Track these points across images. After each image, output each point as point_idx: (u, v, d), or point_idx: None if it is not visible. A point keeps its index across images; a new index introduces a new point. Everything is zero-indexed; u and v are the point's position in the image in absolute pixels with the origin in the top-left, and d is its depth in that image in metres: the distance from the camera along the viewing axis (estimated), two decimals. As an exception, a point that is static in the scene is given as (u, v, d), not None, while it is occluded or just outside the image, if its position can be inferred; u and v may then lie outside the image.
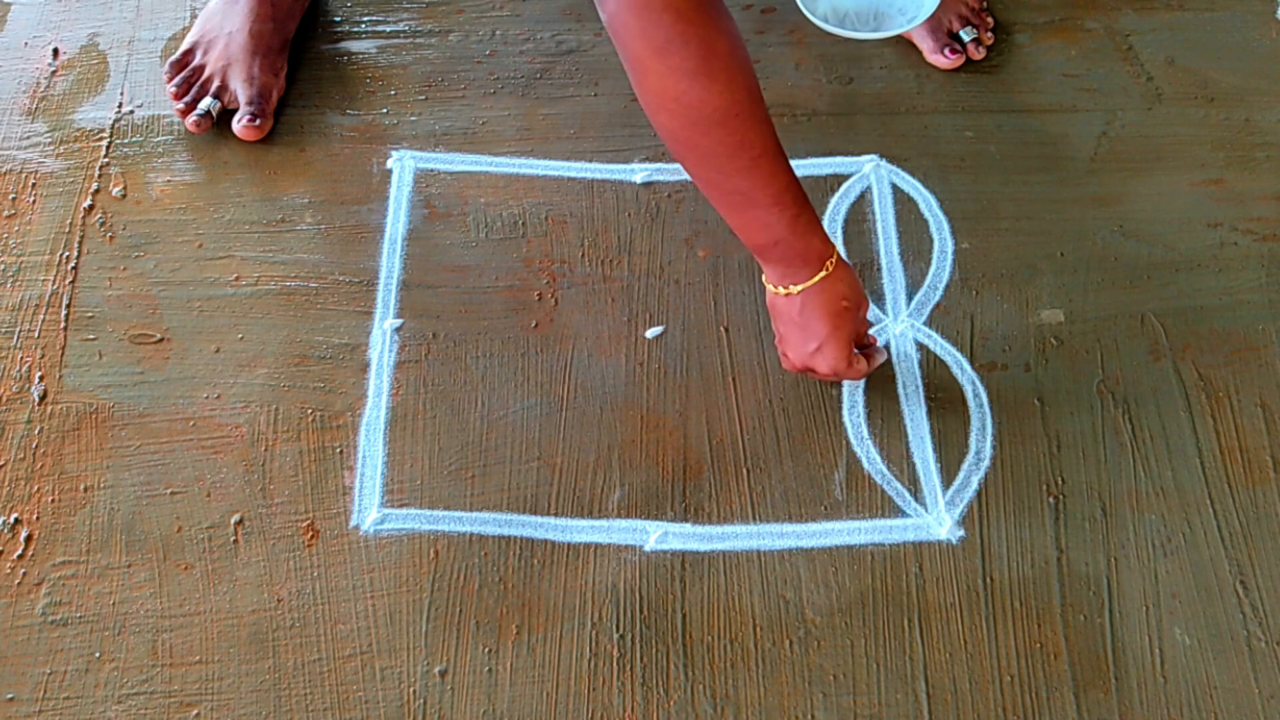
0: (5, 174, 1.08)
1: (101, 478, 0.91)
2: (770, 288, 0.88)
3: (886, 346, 0.96)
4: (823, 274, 0.85)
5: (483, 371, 0.97)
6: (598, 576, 0.87)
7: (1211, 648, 0.84)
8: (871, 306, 0.99)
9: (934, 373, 0.96)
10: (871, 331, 0.97)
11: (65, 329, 0.98)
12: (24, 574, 0.86)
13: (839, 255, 0.87)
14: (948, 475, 0.91)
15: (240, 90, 1.10)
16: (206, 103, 1.09)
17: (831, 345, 0.87)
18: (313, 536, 0.88)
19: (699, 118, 0.77)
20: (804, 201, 0.83)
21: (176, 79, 1.10)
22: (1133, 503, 0.90)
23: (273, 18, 1.13)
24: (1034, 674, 0.83)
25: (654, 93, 0.77)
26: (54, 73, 1.16)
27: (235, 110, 1.10)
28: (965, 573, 0.87)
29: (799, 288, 0.86)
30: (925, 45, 1.15)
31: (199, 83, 1.10)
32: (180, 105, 1.09)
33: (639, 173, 1.08)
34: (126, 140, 1.10)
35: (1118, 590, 0.86)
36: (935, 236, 1.04)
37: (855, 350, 0.90)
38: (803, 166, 1.08)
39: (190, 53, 1.12)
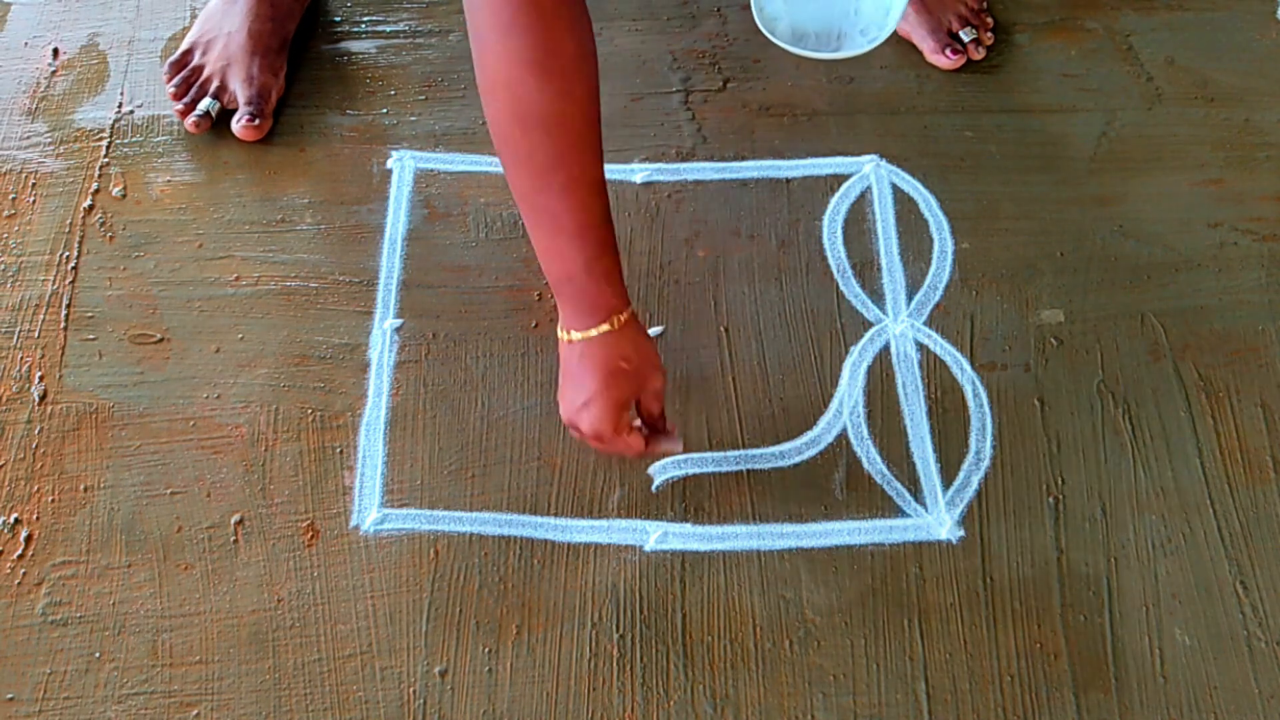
0: (5, 174, 1.08)
1: (101, 478, 0.91)
2: (559, 333, 0.83)
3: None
4: (605, 327, 0.79)
5: (483, 371, 0.97)
6: (598, 576, 0.87)
7: (1211, 648, 0.84)
8: (871, 306, 0.99)
9: (934, 373, 0.96)
10: (871, 331, 0.97)
11: (65, 329, 0.98)
12: (24, 574, 0.86)
13: (632, 317, 0.81)
14: (948, 475, 0.91)
15: (240, 90, 1.09)
16: (206, 103, 1.09)
17: (598, 405, 0.80)
18: (313, 536, 0.88)
19: (524, 113, 0.73)
20: (608, 247, 0.79)
21: (176, 79, 1.10)
22: (1133, 503, 0.90)
23: (272, 17, 1.13)
24: (1034, 674, 0.83)
25: (489, 74, 0.73)
26: (54, 73, 1.16)
27: (235, 110, 1.10)
28: (965, 573, 0.87)
29: (579, 335, 0.81)
30: (926, 46, 1.15)
31: (198, 83, 1.10)
32: (180, 105, 1.09)
33: (639, 173, 1.08)
34: (126, 140, 1.10)
35: (1118, 590, 0.86)
36: (935, 236, 1.04)
37: (638, 425, 0.84)
38: (803, 167, 1.08)
39: (189, 53, 1.12)
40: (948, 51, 1.14)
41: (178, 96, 1.10)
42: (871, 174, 1.08)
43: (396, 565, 0.87)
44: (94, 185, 1.07)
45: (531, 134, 0.74)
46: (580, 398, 0.81)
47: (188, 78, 1.11)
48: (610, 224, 0.79)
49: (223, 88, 1.10)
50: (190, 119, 1.08)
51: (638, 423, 0.85)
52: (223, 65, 1.11)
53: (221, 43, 1.11)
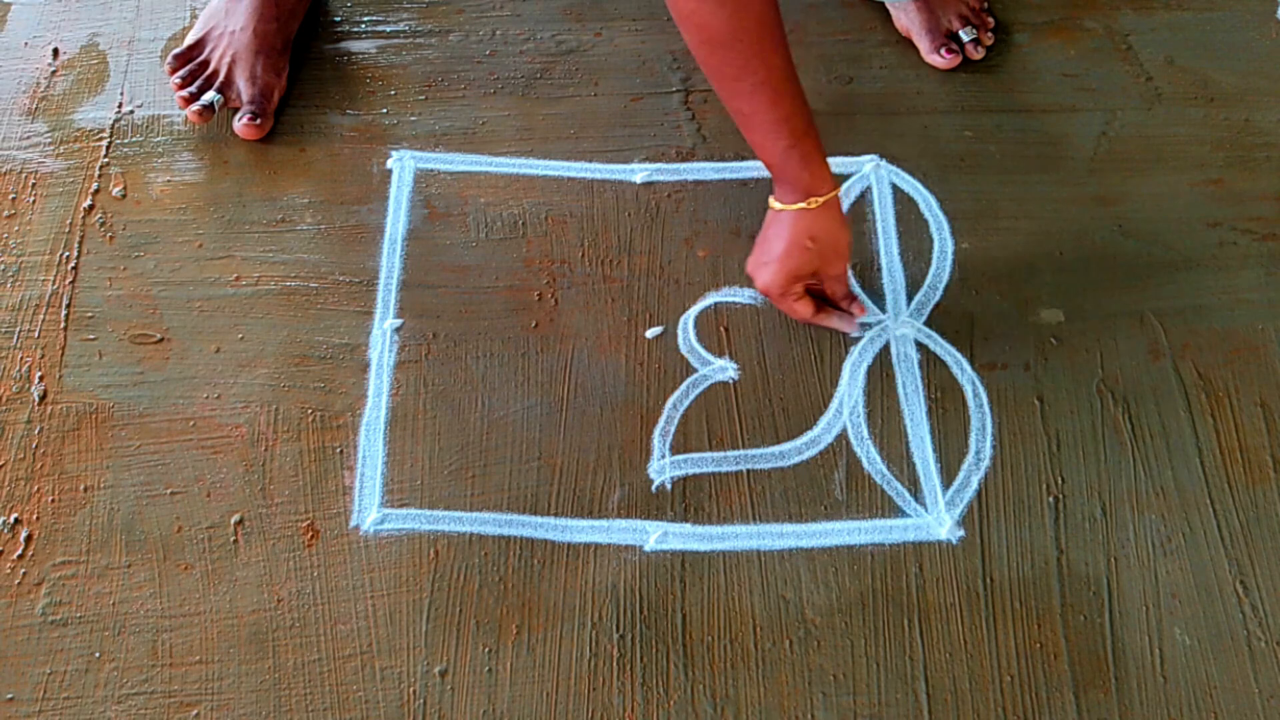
0: (5, 174, 1.08)
1: (101, 478, 0.91)
2: (770, 198, 0.93)
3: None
4: (801, 206, 0.89)
5: (483, 371, 0.97)
6: (598, 576, 0.87)
7: (1211, 648, 0.84)
8: (871, 306, 0.99)
9: (934, 373, 0.96)
10: (870, 332, 0.97)
11: (65, 329, 0.98)
12: (24, 574, 0.86)
13: (833, 200, 0.90)
14: (948, 475, 0.91)
15: (243, 89, 1.10)
16: (210, 95, 1.09)
17: (774, 268, 0.92)
18: (313, 536, 0.88)
19: (707, 38, 0.82)
20: (803, 134, 0.87)
21: (182, 71, 1.10)
22: (1133, 503, 0.90)
23: (276, 17, 1.13)
24: (1034, 674, 0.83)
25: (678, 8, 0.82)
26: (54, 73, 1.16)
27: (236, 109, 1.10)
28: (965, 573, 0.87)
29: (780, 207, 0.92)
30: (923, 44, 1.15)
31: (204, 76, 1.10)
32: (184, 94, 1.09)
33: (639, 173, 1.08)
34: (126, 140, 1.10)
35: (1118, 590, 0.86)
36: (935, 236, 1.04)
37: (813, 296, 0.95)
38: (803, 166, 1.08)
39: (195, 47, 1.12)
40: (943, 51, 1.14)
41: (182, 86, 1.09)
42: (871, 174, 1.08)
43: (396, 565, 0.87)
44: (94, 185, 1.07)
45: (716, 54, 0.84)
46: (764, 258, 0.94)
47: (194, 70, 1.11)
48: (804, 115, 0.87)
49: (227, 83, 1.10)
50: (194, 108, 1.08)
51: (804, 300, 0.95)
52: (228, 63, 1.11)
53: (226, 41, 1.12)
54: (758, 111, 0.86)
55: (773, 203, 0.93)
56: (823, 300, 0.97)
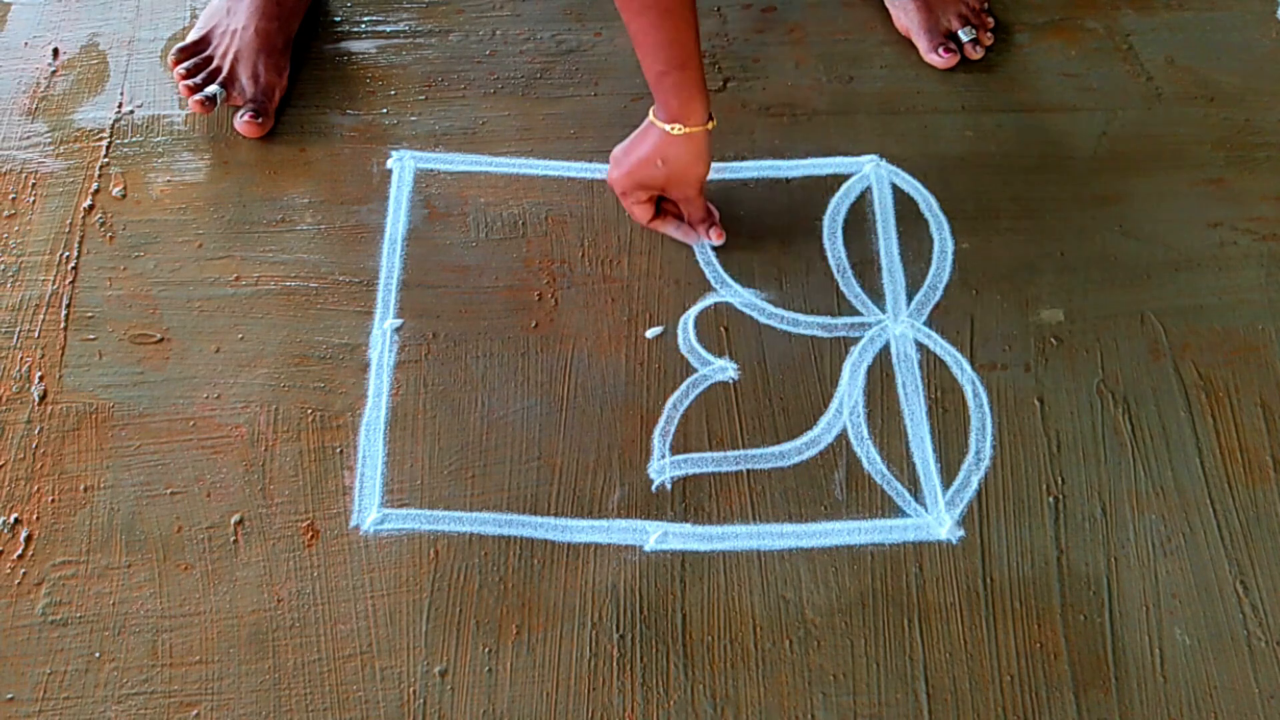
0: (5, 174, 1.08)
1: (101, 478, 0.91)
2: (652, 107, 0.96)
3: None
4: (665, 129, 0.93)
5: (483, 371, 0.97)
6: (598, 576, 0.87)
7: (1211, 648, 0.84)
8: (871, 307, 0.99)
9: (934, 373, 0.96)
10: (871, 331, 0.97)
11: (65, 329, 0.98)
12: (24, 574, 0.86)
13: (700, 134, 0.93)
14: (948, 475, 0.91)
15: (245, 87, 1.10)
16: (213, 88, 1.09)
17: (623, 170, 0.99)
18: (313, 536, 0.88)
19: None
20: (682, 64, 0.90)
21: (186, 63, 1.11)
22: (1133, 503, 0.90)
23: (277, 16, 1.13)
24: (1034, 674, 0.83)
25: None
26: (54, 73, 1.16)
27: (238, 107, 1.10)
28: (965, 573, 0.87)
29: (651, 120, 0.95)
30: (921, 43, 1.15)
31: (207, 71, 1.11)
32: (188, 84, 1.09)
33: (639, 173, 1.08)
34: (126, 140, 1.10)
35: (1118, 590, 0.86)
36: (935, 236, 1.04)
37: (653, 205, 1.01)
38: (803, 166, 1.08)
39: (198, 45, 1.12)
40: (941, 50, 1.14)
41: (186, 77, 1.09)
42: (871, 174, 1.08)
43: (396, 565, 0.87)
44: (94, 185, 1.07)
45: None
46: (622, 156, 1.00)
47: (198, 63, 1.11)
48: (687, 45, 0.89)
49: (230, 81, 1.10)
50: (196, 98, 1.08)
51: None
52: (230, 60, 1.11)
53: (228, 39, 1.12)
54: (642, 31, 0.88)
55: (651, 111, 0.95)
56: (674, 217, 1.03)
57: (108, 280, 1.01)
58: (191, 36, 1.13)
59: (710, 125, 0.94)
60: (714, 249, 1.03)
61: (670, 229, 1.03)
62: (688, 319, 0.99)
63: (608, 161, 1.03)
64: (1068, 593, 0.86)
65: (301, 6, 1.17)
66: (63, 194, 1.07)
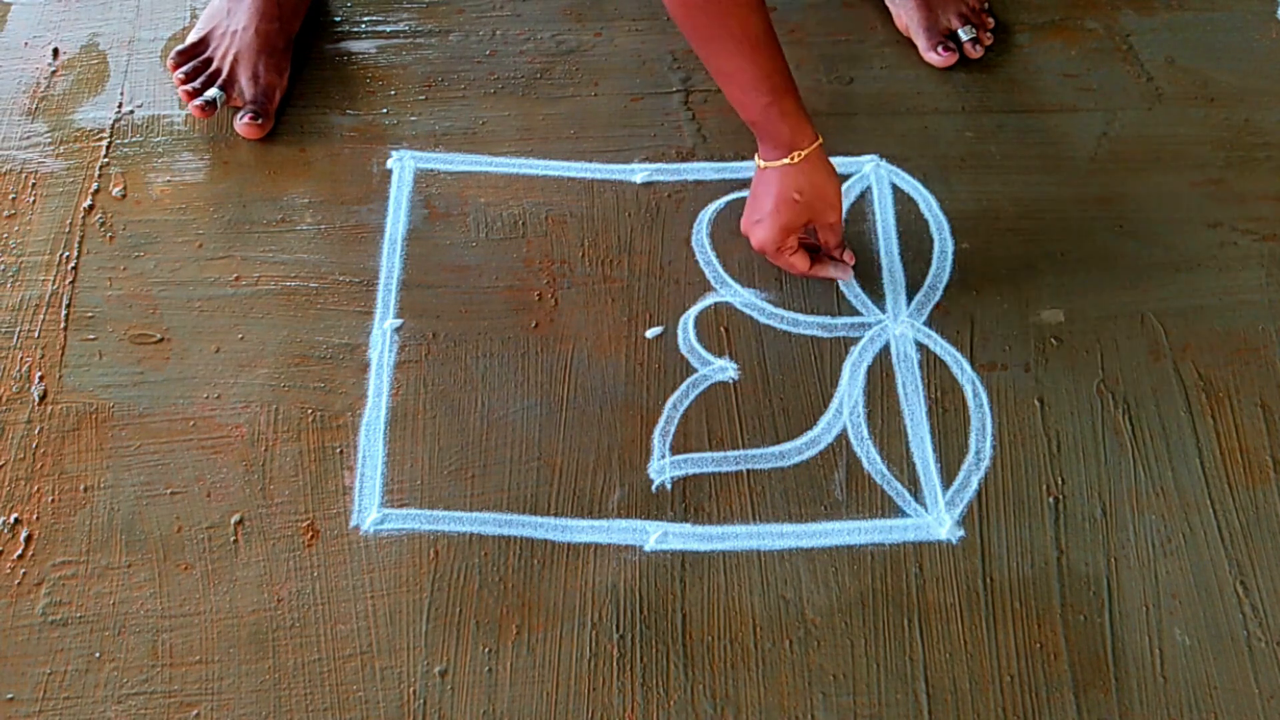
0: (5, 174, 1.08)
1: (101, 478, 0.91)
2: (755, 159, 0.96)
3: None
4: (786, 162, 0.92)
5: (483, 371, 0.97)
6: (598, 576, 0.87)
7: (1211, 648, 0.84)
8: (871, 307, 0.99)
9: (934, 373, 0.96)
10: (871, 331, 0.97)
11: (65, 329, 0.98)
12: (24, 574, 0.86)
13: (816, 152, 0.92)
14: (948, 475, 0.91)
15: (245, 88, 1.10)
16: (213, 92, 1.09)
17: (767, 224, 0.95)
18: (313, 536, 0.88)
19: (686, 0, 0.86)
20: (783, 90, 0.90)
21: (185, 66, 1.11)
22: (1133, 503, 0.90)
23: (278, 17, 1.13)
24: (1034, 674, 0.83)
25: None
26: (54, 73, 1.16)
27: (238, 108, 1.10)
28: (965, 573, 0.87)
29: (765, 165, 0.94)
30: (920, 42, 1.16)
31: (207, 74, 1.10)
32: (187, 89, 1.09)
33: (639, 173, 1.08)
34: (126, 140, 1.10)
35: (1118, 590, 0.86)
36: (935, 236, 1.04)
37: (806, 250, 0.98)
38: (803, 166, 1.08)
39: (198, 46, 1.12)
40: (940, 49, 1.14)
41: (185, 81, 1.09)
42: (871, 174, 1.08)
43: (396, 565, 0.87)
44: (94, 185, 1.07)
45: (695, 16, 0.87)
46: (756, 216, 0.96)
47: (198, 66, 1.11)
48: (783, 72, 0.89)
49: (230, 82, 1.10)
50: (196, 103, 1.08)
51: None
52: (230, 61, 1.11)
53: (229, 40, 1.12)
54: (738, 69, 0.88)
55: (759, 161, 0.95)
56: (815, 252, 1.00)
57: (108, 280, 1.01)
58: (191, 38, 1.13)
59: (820, 140, 0.93)
60: (714, 249, 1.03)
61: (831, 270, 1.00)
62: (688, 319, 0.99)
63: (608, 161, 1.03)
64: (1068, 593, 0.86)
65: (302, 7, 1.17)
66: (63, 194, 1.07)
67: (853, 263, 1.00)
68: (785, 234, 0.95)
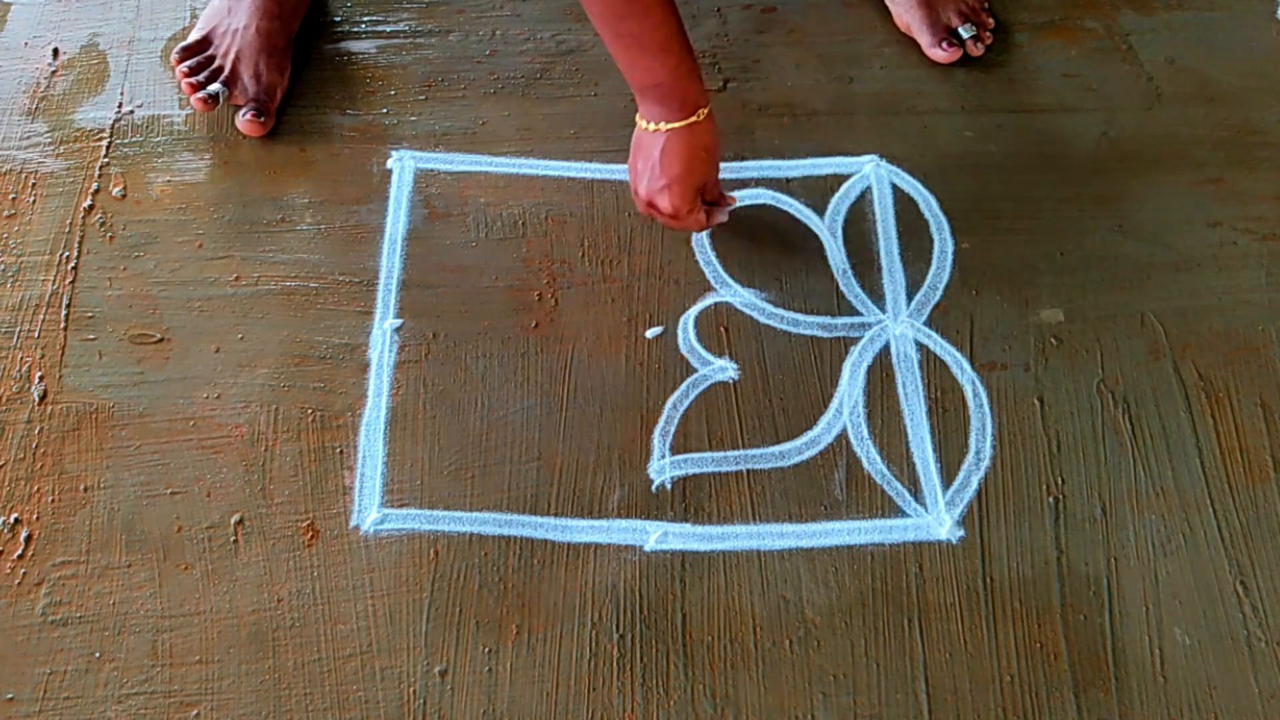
0: (5, 174, 1.08)
1: (101, 478, 0.91)
2: (640, 123, 0.93)
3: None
4: (692, 119, 0.91)
5: (483, 371, 0.97)
6: (598, 576, 0.87)
7: (1211, 648, 0.84)
8: (871, 307, 0.99)
9: (934, 373, 0.96)
10: (871, 331, 0.97)
11: (65, 329, 0.98)
12: (24, 574, 0.86)
13: (711, 110, 0.92)
14: (948, 475, 0.91)
15: (247, 86, 1.10)
16: (215, 87, 1.09)
17: (679, 187, 0.93)
18: (313, 536, 0.88)
19: None
20: (687, 51, 0.89)
21: (189, 61, 1.11)
22: (1133, 503, 0.90)
23: (278, 15, 1.13)
24: (1034, 674, 0.83)
25: None
26: (54, 73, 1.16)
27: (239, 106, 1.10)
28: (965, 573, 0.87)
29: (666, 126, 0.91)
30: (923, 39, 1.16)
31: (210, 68, 1.11)
32: (190, 81, 1.09)
33: (639, 173, 1.08)
34: (126, 140, 1.10)
35: (1118, 590, 0.86)
36: (935, 236, 1.04)
37: (702, 203, 0.96)
38: (803, 166, 1.08)
39: (201, 44, 1.12)
40: (944, 45, 1.14)
41: (188, 75, 1.09)
42: (871, 174, 1.08)
43: (396, 565, 0.87)
44: (94, 185, 1.07)
45: None
46: (661, 181, 0.93)
47: (201, 62, 1.11)
48: (681, 26, 0.88)
49: (231, 80, 1.10)
50: (199, 95, 1.08)
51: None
52: (232, 60, 1.11)
53: (230, 39, 1.12)
54: (646, 31, 0.86)
55: (651, 125, 0.92)
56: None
57: (108, 280, 1.01)
58: (193, 36, 1.13)
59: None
60: (714, 249, 1.03)
61: (720, 216, 0.99)
62: (688, 319, 0.99)
63: (608, 161, 1.03)
64: (1068, 593, 0.86)
65: (302, 6, 1.17)
66: (63, 194, 1.07)
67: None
68: (696, 192, 0.94)
